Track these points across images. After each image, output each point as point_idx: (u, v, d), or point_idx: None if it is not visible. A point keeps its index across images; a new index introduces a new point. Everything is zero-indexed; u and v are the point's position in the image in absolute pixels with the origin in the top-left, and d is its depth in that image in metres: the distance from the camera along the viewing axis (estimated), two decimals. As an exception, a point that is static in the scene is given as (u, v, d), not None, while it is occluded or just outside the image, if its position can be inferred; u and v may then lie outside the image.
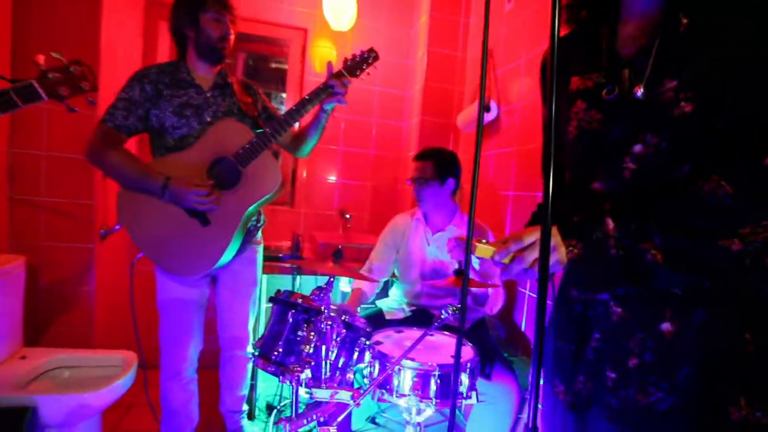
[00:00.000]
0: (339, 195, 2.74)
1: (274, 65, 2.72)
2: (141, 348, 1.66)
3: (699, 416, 0.61)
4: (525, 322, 1.81)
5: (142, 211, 1.46)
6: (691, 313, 0.63)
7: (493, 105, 2.15)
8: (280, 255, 2.06)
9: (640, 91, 0.67)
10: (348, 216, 2.53)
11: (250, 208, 1.49)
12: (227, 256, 1.52)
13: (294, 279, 2.05)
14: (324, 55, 2.69)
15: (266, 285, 2.05)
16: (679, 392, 0.63)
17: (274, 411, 2.11)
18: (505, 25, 2.18)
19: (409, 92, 2.78)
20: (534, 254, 0.65)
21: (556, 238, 0.72)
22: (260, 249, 1.75)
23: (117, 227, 2.18)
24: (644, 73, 0.67)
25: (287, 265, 2.00)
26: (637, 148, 0.67)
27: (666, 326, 0.65)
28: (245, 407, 1.91)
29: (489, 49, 2.28)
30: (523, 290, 1.84)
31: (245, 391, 1.88)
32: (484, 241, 0.67)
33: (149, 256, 1.48)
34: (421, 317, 1.84)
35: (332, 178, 2.74)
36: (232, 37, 1.56)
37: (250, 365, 1.83)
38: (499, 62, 2.21)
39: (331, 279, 1.25)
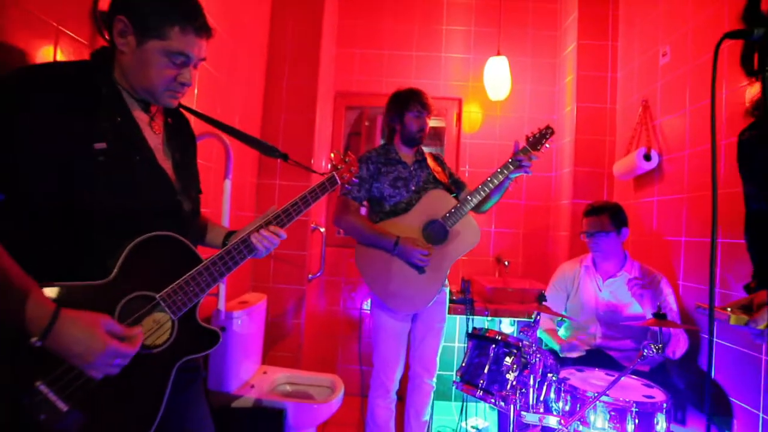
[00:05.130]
0: (494, 242, 2.98)
1: (433, 125, 3.18)
2: (363, 375, 2.06)
3: None
4: (714, 369, 1.78)
5: (374, 261, 1.89)
6: None
7: (654, 154, 2.22)
8: (454, 298, 2.35)
9: None
10: (507, 263, 2.74)
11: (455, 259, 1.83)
12: (434, 299, 1.86)
13: (468, 319, 2.31)
14: (474, 119, 3.05)
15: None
16: None
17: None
18: (660, 77, 2.28)
19: (557, 144, 2.96)
20: None
21: None
22: (447, 291, 2.07)
23: (319, 273, 2.72)
24: None
25: (461, 305, 2.29)
26: None
27: None
28: (426, 432, 2.17)
29: (644, 101, 2.38)
30: (706, 336, 1.82)
31: (427, 417, 2.14)
32: (729, 309, 0.82)
33: (378, 295, 1.88)
34: (596, 357, 1.93)
35: (487, 227, 3.00)
36: (428, 128, 1.99)
37: (433, 393, 2.10)
38: (657, 113, 2.30)
39: (538, 317, 1.48)
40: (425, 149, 2.13)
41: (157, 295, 0.93)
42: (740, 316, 0.81)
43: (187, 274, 0.98)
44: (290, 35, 2.66)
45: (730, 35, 0.82)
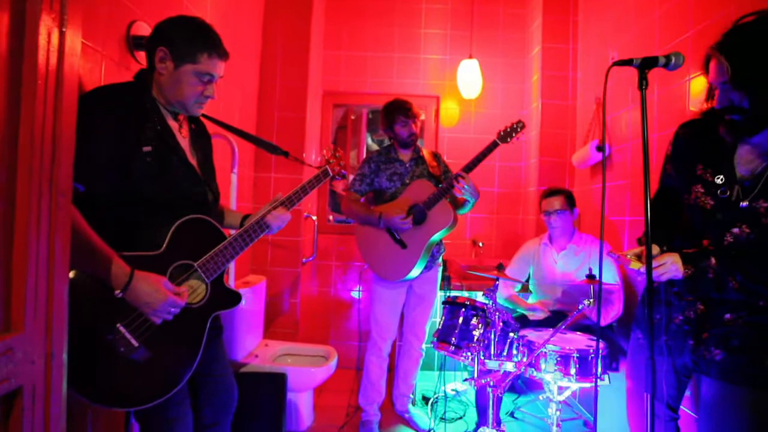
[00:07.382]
0: (470, 227, 3.30)
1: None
2: (360, 347, 2.35)
3: (741, 366, 1.09)
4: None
5: (368, 239, 2.25)
6: (743, 312, 1.12)
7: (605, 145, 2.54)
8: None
9: (744, 204, 1.12)
10: (481, 244, 3.06)
11: (432, 238, 2.14)
12: (416, 271, 2.18)
13: (446, 294, 2.62)
14: (451, 114, 3.34)
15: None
16: (731, 352, 1.12)
17: (430, 401, 2.65)
18: (612, 77, 2.59)
19: (525, 137, 3.28)
20: (660, 270, 1.16)
21: (679, 264, 1.18)
22: (440, 269, 2.39)
23: (312, 257, 3.00)
24: (750, 194, 1.12)
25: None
26: (735, 230, 1.14)
27: (727, 316, 1.15)
28: (411, 395, 2.49)
29: (598, 98, 2.70)
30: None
31: (414, 381, 2.46)
32: (632, 255, 1.19)
33: (370, 266, 2.25)
34: (557, 318, 2.26)
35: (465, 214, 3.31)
36: (417, 130, 2.30)
37: (421, 360, 2.41)
38: (608, 110, 2.61)
39: (497, 282, 1.79)
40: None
41: (195, 263, 1.20)
42: (637, 263, 1.20)
43: (217, 247, 1.25)
44: (281, 39, 2.90)
45: (618, 63, 1.13)
